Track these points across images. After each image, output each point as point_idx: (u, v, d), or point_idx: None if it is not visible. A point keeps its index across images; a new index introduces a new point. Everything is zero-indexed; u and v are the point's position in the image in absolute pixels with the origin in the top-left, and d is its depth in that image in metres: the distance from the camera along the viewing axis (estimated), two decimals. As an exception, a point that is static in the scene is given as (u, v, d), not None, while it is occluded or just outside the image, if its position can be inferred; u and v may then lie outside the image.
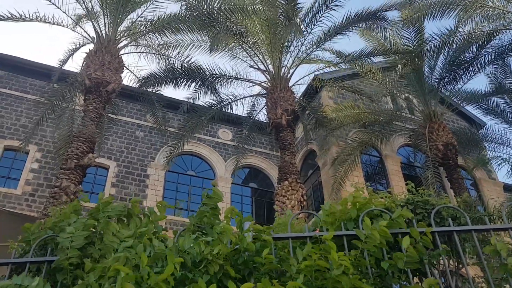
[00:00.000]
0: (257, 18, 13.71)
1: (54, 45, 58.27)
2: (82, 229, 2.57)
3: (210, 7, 12.34)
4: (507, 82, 16.31)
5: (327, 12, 14.40)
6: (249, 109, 17.43)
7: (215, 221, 2.76)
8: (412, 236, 2.59)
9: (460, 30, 13.95)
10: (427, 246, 2.63)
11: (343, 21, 14.42)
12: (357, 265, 2.57)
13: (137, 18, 13.71)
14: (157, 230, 2.77)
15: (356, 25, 14.73)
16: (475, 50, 15.09)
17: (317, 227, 3.07)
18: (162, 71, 15.81)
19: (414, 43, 14.31)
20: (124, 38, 13.82)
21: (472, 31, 13.98)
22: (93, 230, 2.67)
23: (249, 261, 2.55)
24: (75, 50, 14.42)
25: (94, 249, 2.57)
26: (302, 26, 14.62)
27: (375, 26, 15.20)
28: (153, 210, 2.86)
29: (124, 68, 13.63)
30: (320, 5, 14.35)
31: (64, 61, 14.79)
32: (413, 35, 14.33)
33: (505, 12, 12.61)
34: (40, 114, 14.28)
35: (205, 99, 16.69)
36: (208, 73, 15.72)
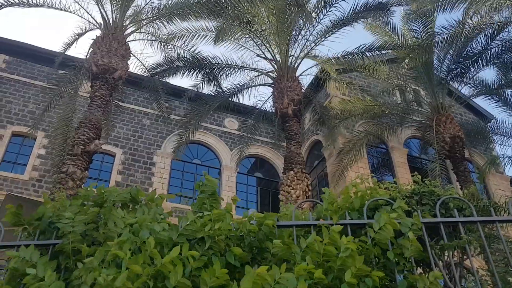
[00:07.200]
0: (265, 5, 13.56)
1: (63, 31, 58.32)
2: (86, 216, 2.61)
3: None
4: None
5: (337, 2, 14.20)
6: (255, 99, 17.37)
7: (217, 205, 2.87)
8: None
9: (469, 22, 13.75)
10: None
11: (352, 11, 14.23)
12: (362, 253, 2.57)
13: (142, 2, 13.63)
14: (162, 216, 2.80)
15: (364, 16, 14.51)
16: (484, 43, 14.89)
17: (320, 216, 3.07)
18: (168, 60, 15.74)
19: (423, 35, 14.12)
20: (131, 24, 13.77)
21: (481, 23, 13.78)
22: (97, 215, 2.71)
23: (253, 246, 2.56)
24: (80, 34, 14.33)
25: (99, 234, 2.60)
26: (313, 14, 14.44)
27: (384, 18, 15.00)
28: (155, 196, 2.92)
29: (131, 55, 13.60)
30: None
31: (69, 45, 14.66)
32: (422, 27, 14.14)
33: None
34: (48, 100, 14.31)
35: (211, 88, 16.61)
36: (214, 62, 15.63)
